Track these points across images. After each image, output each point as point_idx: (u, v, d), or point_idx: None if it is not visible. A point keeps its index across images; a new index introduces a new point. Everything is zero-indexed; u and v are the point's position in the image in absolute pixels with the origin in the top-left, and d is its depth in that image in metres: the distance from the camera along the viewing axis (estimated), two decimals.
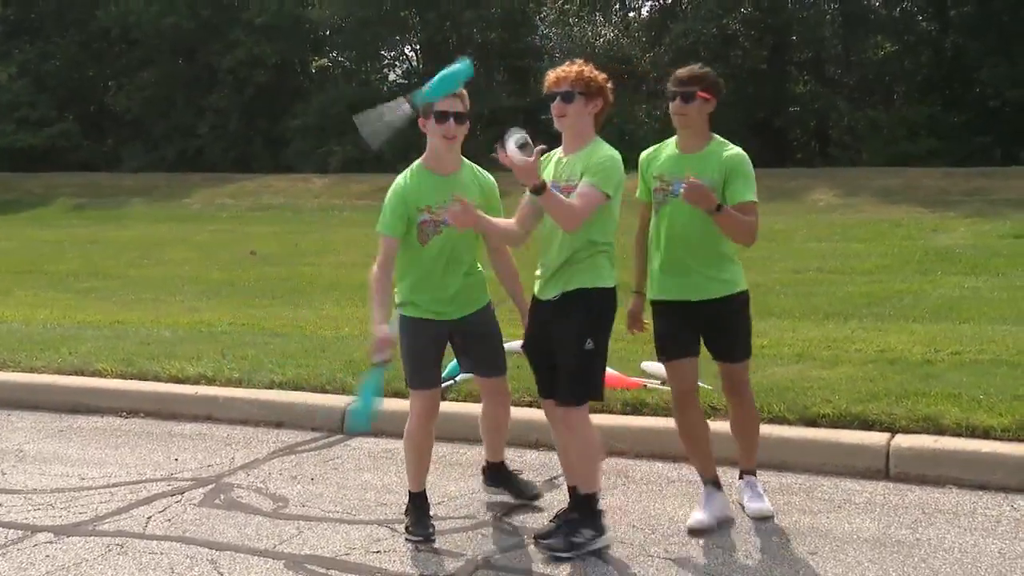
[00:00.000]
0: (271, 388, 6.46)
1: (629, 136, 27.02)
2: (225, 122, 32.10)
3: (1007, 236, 14.22)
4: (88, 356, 7.28)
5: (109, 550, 4.28)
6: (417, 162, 4.36)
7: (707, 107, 4.28)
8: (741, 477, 4.63)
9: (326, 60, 35.67)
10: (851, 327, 7.82)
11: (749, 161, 4.29)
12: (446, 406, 5.71)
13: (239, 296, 10.81)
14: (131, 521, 4.61)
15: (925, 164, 22.78)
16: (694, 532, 4.30)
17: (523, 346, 4.40)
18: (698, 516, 4.36)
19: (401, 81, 34.61)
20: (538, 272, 4.25)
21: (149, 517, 4.65)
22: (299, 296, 10.78)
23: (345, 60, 35.52)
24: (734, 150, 4.29)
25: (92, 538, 4.41)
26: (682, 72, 4.29)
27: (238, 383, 6.58)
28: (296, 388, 6.41)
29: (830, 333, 7.51)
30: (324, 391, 6.32)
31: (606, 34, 29.15)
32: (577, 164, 4.11)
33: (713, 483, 4.45)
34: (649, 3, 31.99)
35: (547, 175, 4.12)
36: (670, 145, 4.40)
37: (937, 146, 24.06)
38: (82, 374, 6.96)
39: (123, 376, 6.86)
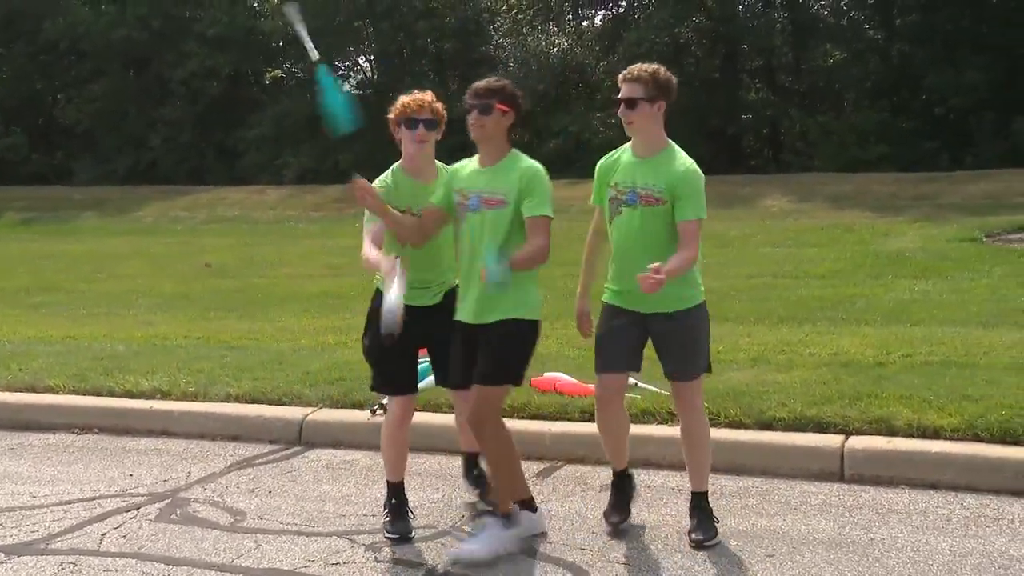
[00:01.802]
0: (227, 401, 6.40)
1: (585, 144, 27.21)
2: (178, 134, 31.83)
3: (954, 240, 14.51)
4: (40, 372, 7.17)
5: (62, 568, 4.21)
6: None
7: (505, 120, 4.15)
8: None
9: (280, 71, 35.49)
10: (805, 331, 7.93)
11: (545, 175, 4.17)
12: None
13: (194, 309, 10.71)
14: (85, 538, 4.54)
15: (875, 169, 23.17)
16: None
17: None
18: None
19: (356, 92, 34.52)
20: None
21: (104, 534, 4.59)
22: (255, 308, 10.70)
23: (299, 71, 35.35)
24: (528, 163, 4.18)
25: (44, 557, 4.34)
26: (480, 84, 4.18)
27: (194, 397, 6.52)
28: (253, 401, 6.36)
29: (785, 337, 7.60)
30: (281, 403, 6.27)
31: (560, 43, 29.34)
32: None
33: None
34: (602, 12, 32.23)
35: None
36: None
37: (887, 152, 24.50)
38: (34, 390, 6.85)
39: (76, 392, 6.76)
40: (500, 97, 4.13)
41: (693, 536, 4.27)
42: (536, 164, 4.21)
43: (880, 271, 11.66)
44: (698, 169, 4.20)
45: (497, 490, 4.29)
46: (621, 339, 4.27)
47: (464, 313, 4.22)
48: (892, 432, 5.12)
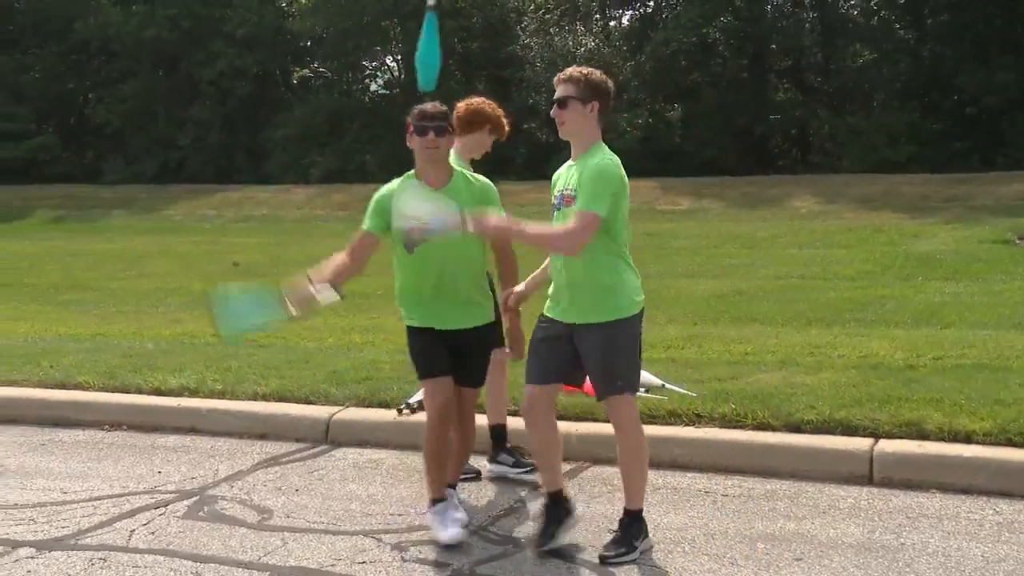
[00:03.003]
0: (254, 399, 6.43)
1: (610, 145, 27.16)
2: (206, 134, 32.06)
3: (986, 241, 14.36)
4: (70, 369, 7.24)
5: (92, 564, 4.24)
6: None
7: (452, 142, 4.40)
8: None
9: (307, 71, 35.68)
10: (834, 333, 7.86)
11: (493, 187, 4.43)
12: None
13: None
14: (114, 535, 4.57)
15: (905, 170, 22.97)
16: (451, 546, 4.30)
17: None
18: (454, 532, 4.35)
19: (383, 91, 34.68)
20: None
21: (132, 530, 4.62)
22: None
23: (326, 71, 35.55)
24: (480, 180, 4.41)
25: (74, 552, 4.37)
26: (431, 108, 4.29)
27: (221, 395, 6.55)
28: (280, 399, 6.38)
29: (813, 339, 7.54)
30: (308, 402, 6.29)
31: (587, 43, 29.27)
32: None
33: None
34: (630, 12, 32.16)
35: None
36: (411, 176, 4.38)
37: (916, 152, 24.29)
38: (64, 387, 6.91)
39: (105, 389, 6.82)
40: (449, 120, 4.36)
41: (602, 551, 4.13)
42: (484, 179, 4.43)
43: (910, 273, 11.55)
44: (611, 167, 4.02)
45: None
46: (545, 352, 4.20)
47: (440, 321, 4.40)
48: (923, 436, 5.06)
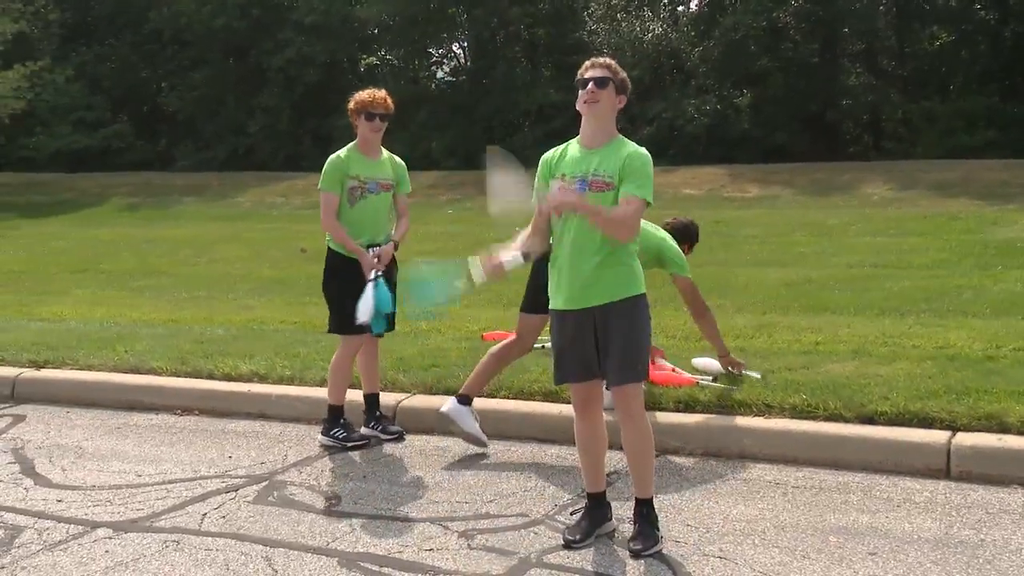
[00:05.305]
0: (323, 386, 6.47)
1: (679, 131, 26.84)
2: (275, 121, 32.43)
3: None
4: (144, 354, 7.38)
5: (166, 546, 4.32)
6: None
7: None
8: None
9: (374, 58, 35.90)
10: (908, 323, 7.68)
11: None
12: (501, 404, 5.75)
13: (291, 294, 10.89)
14: (187, 518, 4.66)
15: (983, 156, 22.31)
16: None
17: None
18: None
19: (449, 78, 34.76)
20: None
21: (204, 514, 4.69)
22: None
23: (393, 58, 35.72)
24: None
25: (149, 534, 4.46)
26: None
27: (290, 381, 6.63)
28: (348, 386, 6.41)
29: (887, 329, 7.37)
30: None
31: (654, 28, 28.97)
32: None
33: None
34: None
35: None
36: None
37: (996, 137, 23.59)
38: (138, 372, 7.06)
39: (178, 374, 6.95)
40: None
41: (631, 545, 4.10)
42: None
43: (988, 261, 11.21)
44: (647, 154, 4.11)
45: None
46: (575, 349, 4.15)
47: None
48: (1003, 429, 4.92)
